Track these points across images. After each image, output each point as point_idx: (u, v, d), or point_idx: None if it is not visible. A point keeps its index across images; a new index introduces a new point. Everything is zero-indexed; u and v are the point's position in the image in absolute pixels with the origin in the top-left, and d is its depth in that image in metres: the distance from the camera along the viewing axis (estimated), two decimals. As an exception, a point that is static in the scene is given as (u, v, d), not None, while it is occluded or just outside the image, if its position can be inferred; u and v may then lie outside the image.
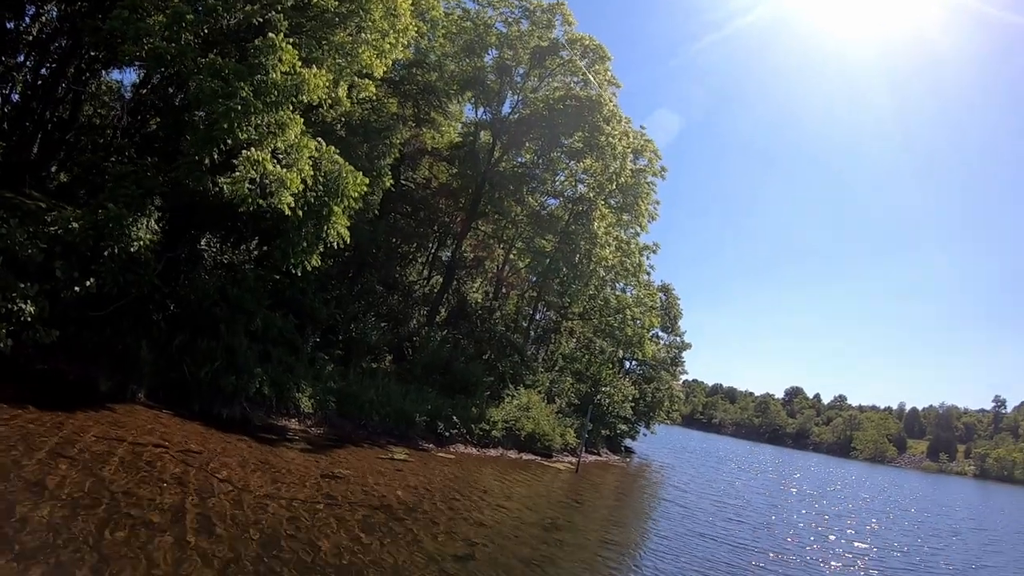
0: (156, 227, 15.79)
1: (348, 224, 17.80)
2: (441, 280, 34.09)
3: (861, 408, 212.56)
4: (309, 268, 17.62)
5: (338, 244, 17.63)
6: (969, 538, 29.00)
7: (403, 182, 32.53)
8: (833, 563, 17.84)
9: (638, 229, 41.54)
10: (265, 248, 20.10)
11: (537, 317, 41.05)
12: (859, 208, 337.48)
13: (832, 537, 22.89)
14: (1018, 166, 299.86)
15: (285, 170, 15.19)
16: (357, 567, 9.28)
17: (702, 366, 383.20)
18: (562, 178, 35.47)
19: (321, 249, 17.51)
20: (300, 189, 15.47)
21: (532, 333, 40.18)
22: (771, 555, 17.14)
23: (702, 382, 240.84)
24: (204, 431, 15.01)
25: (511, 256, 38.05)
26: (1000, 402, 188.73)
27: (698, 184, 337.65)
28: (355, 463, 16.67)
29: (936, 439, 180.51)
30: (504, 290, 38.93)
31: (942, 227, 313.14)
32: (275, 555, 8.87)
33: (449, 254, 33.39)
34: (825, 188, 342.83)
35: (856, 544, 21.88)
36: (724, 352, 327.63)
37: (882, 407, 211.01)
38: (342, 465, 15.90)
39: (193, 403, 16.56)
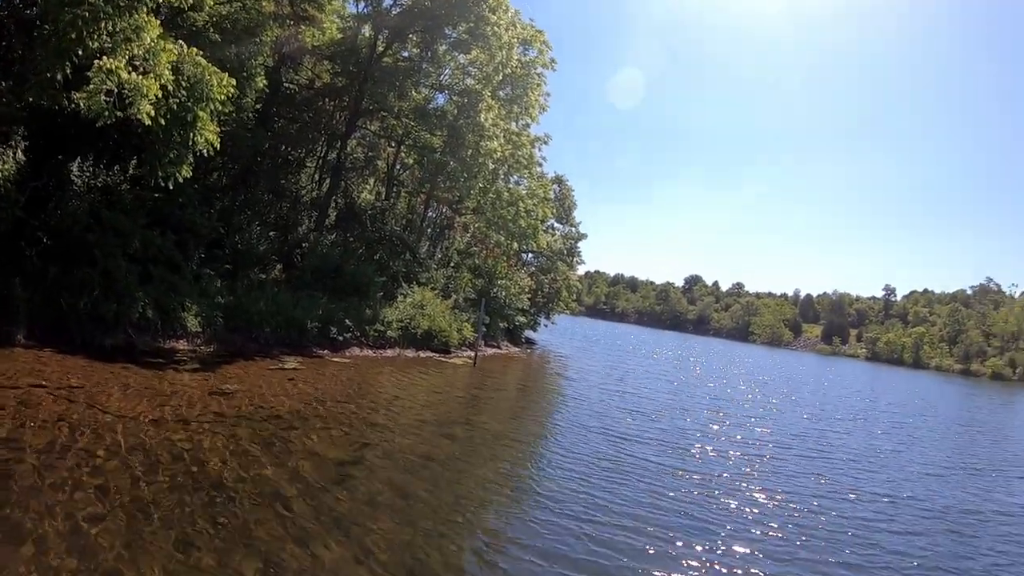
0: (22, 157, 14.83)
1: (218, 130, 17.02)
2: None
3: (758, 295, 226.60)
4: (181, 180, 16.86)
5: (208, 152, 16.81)
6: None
7: (286, 85, 31.25)
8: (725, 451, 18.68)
9: (528, 120, 41.45)
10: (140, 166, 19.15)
11: (431, 214, 40.99)
12: (765, 110, 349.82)
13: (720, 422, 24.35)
14: (915, 73, 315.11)
15: (141, 77, 14.32)
16: (241, 480, 9.43)
17: (604, 257, 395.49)
18: (448, 72, 34.75)
19: (191, 159, 16.79)
20: (159, 96, 14.62)
21: (429, 231, 40.23)
22: (662, 444, 17.56)
23: (604, 273, 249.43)
24: (86, 364, 14.55)
25: (401, 154, 37.54)
26: (890, 291, 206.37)
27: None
28: (245, 377, 16.65)
29: (830, 324, 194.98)
30: (396, 189, 38.50)
31: (840, 131, 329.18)
32: (156, 479, 8.89)
33: (334, 155, 32.57)
34: (734, 91, 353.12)
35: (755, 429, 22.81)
36: (626, 243, 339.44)
37: (778, 294, 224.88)
38: (231, 380, 15.87)
39: (75, 337, 15.96)
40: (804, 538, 10.88)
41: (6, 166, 14.16)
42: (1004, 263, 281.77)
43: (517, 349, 41.13)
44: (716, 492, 13.26)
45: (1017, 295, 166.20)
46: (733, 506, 12.37)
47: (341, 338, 23.94)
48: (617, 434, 17.91)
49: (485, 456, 13.89)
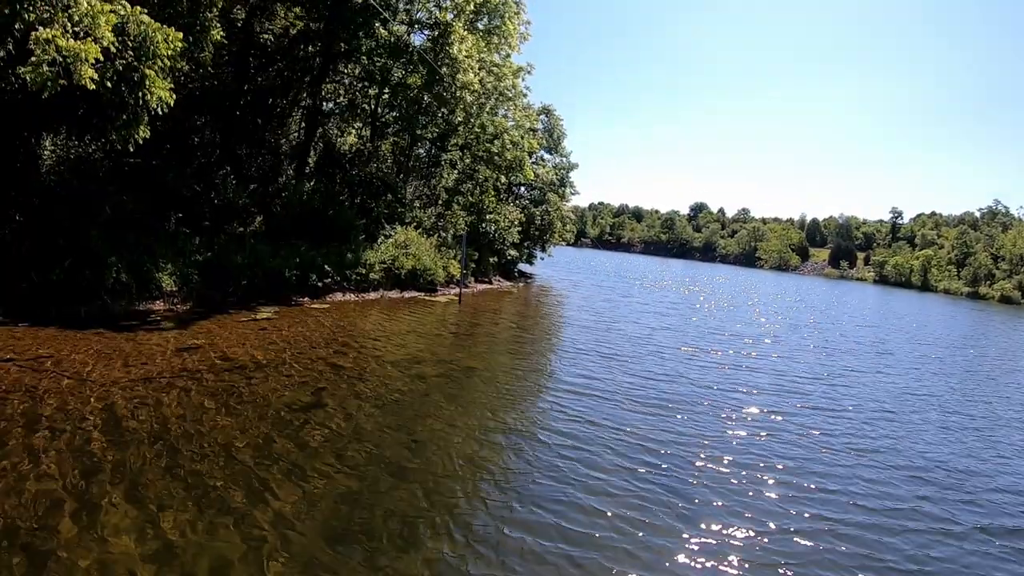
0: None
1: (171, 86, 17.05)
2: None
3: (764, 220, 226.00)
4: (139, 140, 17.10)
5: (162, 110, 16.89)
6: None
7: (260, 35, 31.08)
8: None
9: (508, 50, 40.98)
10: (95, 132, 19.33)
11: (420, 153, 40.94)
12: (775, 29, 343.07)
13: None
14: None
15: (79, 42, 14.40)
16: (199, 433, 9.88)
17: (609, 188, 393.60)
18: (421, 13, 34.31)
19: (146, 119, 16.95)
20: (100, 59, 14.69)
21: (422, 170, 40.23)
22: (652, 393, 15.75)
23: (609, 203, 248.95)
24: (58, 334, 14.87)
25: (384, 95, 37.32)
26: (897, 213, 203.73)
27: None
28: (216, 331, 17.13)
29: (837, 248, 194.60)
30: (380, 130, 38.38)
31: (846, 52, 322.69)
32: (117, 438, 9.35)
33: (310, 101, 32.56)
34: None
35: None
36: (629, 172, 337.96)
37: (784, 219, 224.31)
38: (200, 336, 16.37)
39: (50, 308, 16.34)
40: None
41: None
42: (1013, 185, 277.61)
43: (510, 283, 41.58)
44: (709, 457, 11.31)
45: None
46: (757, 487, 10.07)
47: (321, 284, 24.42)
48: (587, 373, 17.05)
49: (449, 396, 13.81)
